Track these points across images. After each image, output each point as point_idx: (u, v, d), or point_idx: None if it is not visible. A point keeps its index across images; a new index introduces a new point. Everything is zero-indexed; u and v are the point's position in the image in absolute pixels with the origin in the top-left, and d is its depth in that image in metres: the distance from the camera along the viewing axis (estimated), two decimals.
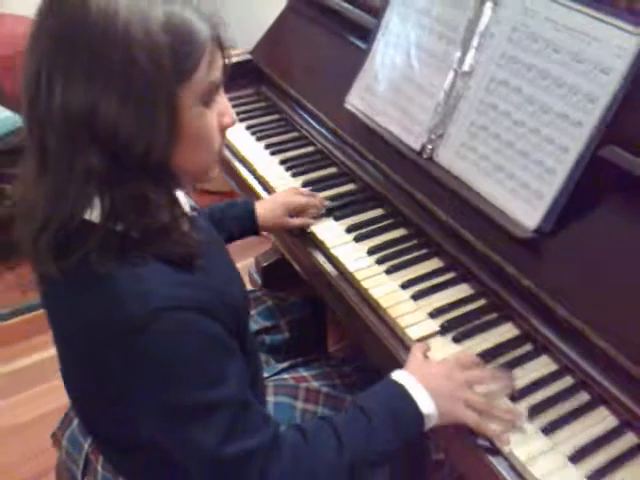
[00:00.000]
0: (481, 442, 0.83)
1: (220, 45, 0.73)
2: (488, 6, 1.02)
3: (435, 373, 0.87)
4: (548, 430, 0.82)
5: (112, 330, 0.70)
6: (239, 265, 0.97)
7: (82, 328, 0.74)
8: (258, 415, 0.77)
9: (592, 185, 0.91)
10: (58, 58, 0.65)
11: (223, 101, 0.77)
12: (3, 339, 2.03)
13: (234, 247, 1.11)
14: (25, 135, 0.72)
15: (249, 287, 1.61)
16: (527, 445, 0.80)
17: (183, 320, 0.71)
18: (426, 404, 0.83)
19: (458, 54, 1.06)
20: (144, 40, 0.64)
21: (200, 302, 0.73)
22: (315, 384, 1.12)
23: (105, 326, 0.71)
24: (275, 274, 1.70)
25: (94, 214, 0.71)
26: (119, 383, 0.75)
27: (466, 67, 1.05)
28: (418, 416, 0.82)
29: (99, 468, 1.00)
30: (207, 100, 0.72)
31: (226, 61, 0.75)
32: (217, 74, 0.73)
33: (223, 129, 0.78)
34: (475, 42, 1.04)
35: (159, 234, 0.73)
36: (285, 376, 1.16)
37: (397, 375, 0.87)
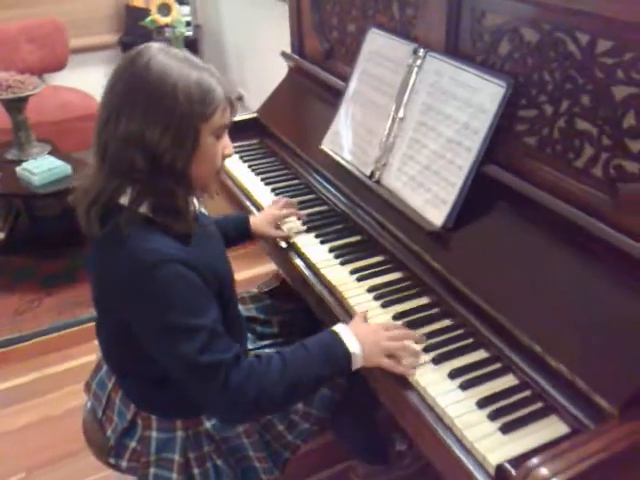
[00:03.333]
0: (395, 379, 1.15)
1: (230, 102, 1.13)
2: (414, 71, 1.42)
3: (365, 328, 1.20)
4: (437, 361, 1.14)
5: (128, 272, 1.06)
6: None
7: (111, 271, 1.10)
8: (226, 342, 1.10)
9: (479, 193, 1.26)
10: (126, 100, 1.05)
11: (227, 139, 1.16)
12: (43, 350, 2.41)
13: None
14: (92, 147, 1.11)
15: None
16: (423, 375, 1.13)
17: (177, 270, 1.06)
18: (354, 346, 1.14)
19: (394, 105, 1.46)
20: (184, 93, 1.03)
21: (189, 261, 1.08)
22: None
23: (125, 270, 1.07)
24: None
25: (125, 200, 1.10)
26: (131, 312, 1.10)
27: (400, 114, 1.44)
28: (346, 353, 1.14)
29: (117, 401, 1.35)
30: (218, 134, 1.11)
31: (233, 112, 1.14)
32: (226, 120, 1.12)
33: (224, 157, 1.16)
34: (406, 97, 1.44)
35: (171, 215, 1.11)
36: (267, 350, 1.49)
37: (335, 326, 1.20)
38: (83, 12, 4.00)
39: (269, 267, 2.06)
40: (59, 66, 3.82)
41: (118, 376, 1.34)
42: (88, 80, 4.04)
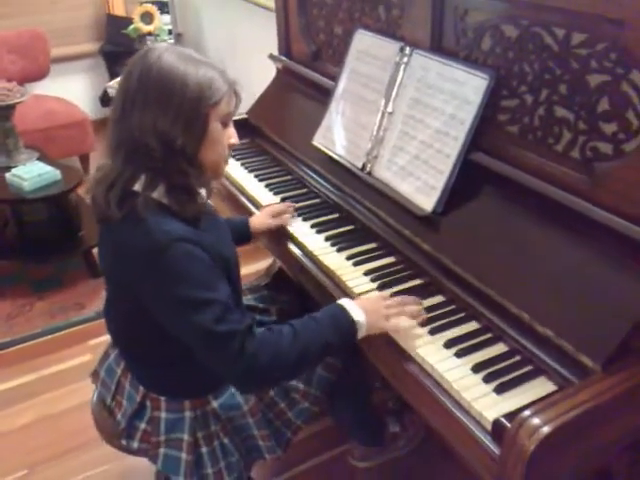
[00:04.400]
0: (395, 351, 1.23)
1: (235, 93, 1.21)
2: (402, 68, 1.51)
3: (367, 299, 1.29)
4: (433, 333, 1.23)
5: (144, 251, 1.13)
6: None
7: (128, 251, 1.16)
8: (239, 314, 1.17)
9: (466, 179, 1.36)
10: (139, 93, 1.13)
11: (232, 129, 1.25)
12: (38, 352, 2.44)
13: None
14: (108, 136, 1.18)
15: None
16: (421, 346, 1.21)
17: (188, 249, 1.14)
18: (358, 315, 1.23)
19: (384, 101, 1.55)
20: (193, 82, 1.12)
21: (200, 241, 1.16)
22: None
23: (140, 249, 1.14)
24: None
25: (139, 187, 1.17)
26: (147, 289, 1.16)
27: (389, 109, 1.54)
28: (352, 322, 1.22)
29: (127, 386, 1.40)
30: (224, 122, 1.19)
31: (238, 102, 1.23)
32: (232, 108, 1.21)
33: (230, 146, 1.25)
34: (394, 92, 1.53)
35: (184, 196, 1.18)
36: None
37: (340, 300, 1.28)
38: (64, 22, 4.05)
39: (268, 262, 2.13)
40: (41, 75, 3.86)
41: (127, 359, 1.40)
42: (70, 88, 4.10)
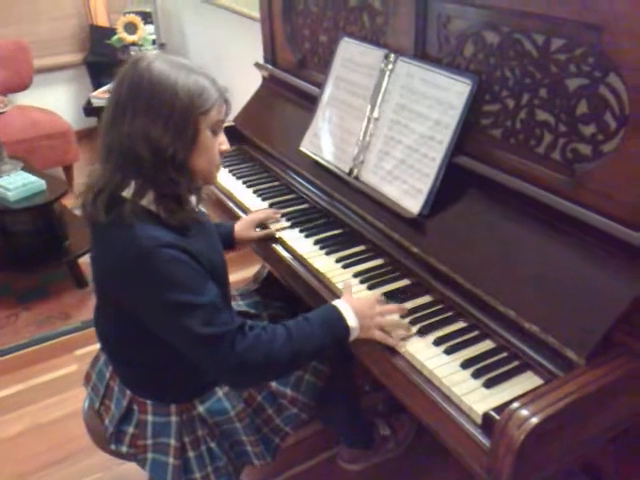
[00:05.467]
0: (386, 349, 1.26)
1: (225, 101, 1.23)
2: (387, 74, 1.55)
3: (361, 303, 1.29)
4: (422, 332, 1.26)
5: (131, 256, 1.14)
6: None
7: (114, 257, 1.17)
8: (227, 315, 1.19)
9: (451, 182, 1.39)
10: (129, 101, 1.13)
11: (223, 136, 1.26)
12: (25, 362, 2.44)
13: None
14: (98, 143, 1.20)
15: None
16: (411, 344, 1.24)
17: (174, 254, 1.15)
18: (352, 320, 1.25)
19: (369, 107, 1.58)
20: (183, 90, 1.13)
21: (187, 247, 1.17)
22: None
23: (127, 254, 1.14)
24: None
25: (128, 193, 1.18)
26: (134, 294, 1.17)
27: (375, 115, 1.57)
28: (345, 327, 1.24)
29: (115, 389, 1.41)
30: (214, 130, 1.20)
31: (228, 110, 1.24)
32: (222, 116, 1.22)
33: (222, 152, 1.26)
34: (380, 98, 1.56)
35: (173, 205, 1.20)
36: None
37: (335, 301, 1.30)
38: (47, 32, 4.06)
39: (255, 269, 2.15)
40: (23, 86, 3.84)
41: (114, 362, 1.41)
42: (53, 99, 4.09)
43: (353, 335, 1.26)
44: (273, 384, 1.44)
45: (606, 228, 1.11)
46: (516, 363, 1.17)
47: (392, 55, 1.54)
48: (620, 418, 1.12)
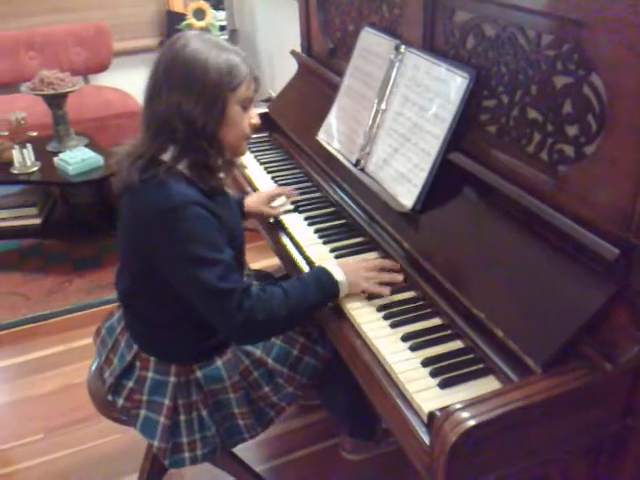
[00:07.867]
0: (353, 334, 1.27)
1: (255, 78, 1.32)
2: (396, 66, 1.53)
3: (348, 261, 1.43)
4: (394, 326, 1.25)
5: (162, 209, 1.24)
6: None
7: (147, 211, 1.26)
8: (238, 275, 1.29)
9: (444, 180, 1.36)
10: (166, 76, 1.25)
11: (253, 110, 1.36)
12: (69, 326, 2.61)
13: None
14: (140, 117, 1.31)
15: None
16: (378, 337, 1.24)
17: (202, 212, 1.25)
18: (339, 275, 1.34)
19: (378, 98, 1.57)
20: (214, 67, 1.24)
21: (212, 209, 1.27)
22: None
23: (158, 207, 1.24)
24: None
25: (167, 156, 1.28)
26: (160, 245, 1.26)
27: (383, 106, 1.56)
28: (335, 282, 1.33)
29: (122, 344, 1.50)
30: (244, 105, 1.31)
31: (257, 87, 1.34)
32: (251, 92, 1.32)
33: (252, 126, 1.35)
34: (388, 90, 1.55)
35: (204, 172, 1.30)
36: None
37: (323, 263, 1.39)
38: (127, 17, 4.26)
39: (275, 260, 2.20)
40: (102, 67, 4.07)
41: (127, 316, 1.49)
42: (129, 81, 4.28)
43: (343, 290, 1.34)
44: (270, 362, 1.48)
45: (578, 236, 1.06)
46: (480, 366, 1.14)
47: (402, 46, 1.52)
48: (576, 431, 1.07)
